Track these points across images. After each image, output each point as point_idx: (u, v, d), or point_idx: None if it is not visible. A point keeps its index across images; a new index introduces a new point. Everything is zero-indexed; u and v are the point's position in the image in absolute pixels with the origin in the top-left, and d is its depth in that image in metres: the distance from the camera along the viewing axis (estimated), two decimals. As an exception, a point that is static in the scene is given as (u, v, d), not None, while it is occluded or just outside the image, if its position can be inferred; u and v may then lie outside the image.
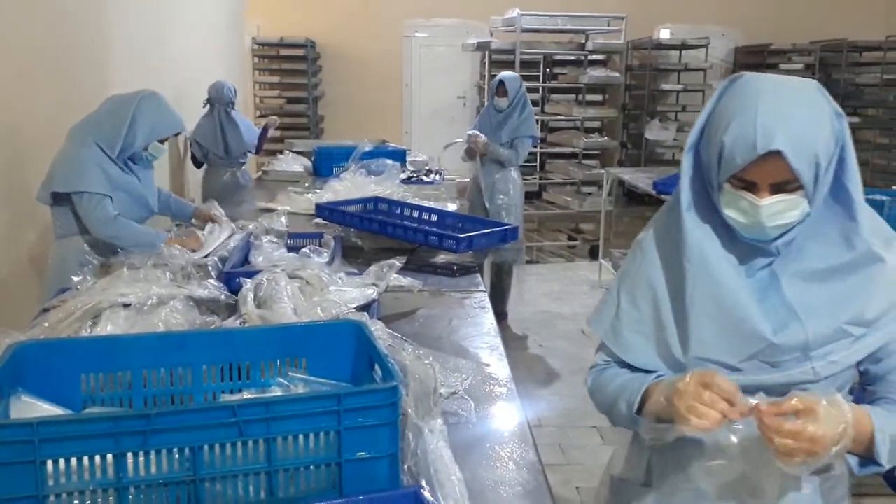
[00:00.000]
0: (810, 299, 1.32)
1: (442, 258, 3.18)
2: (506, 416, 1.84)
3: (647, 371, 1.42)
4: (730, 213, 1.32)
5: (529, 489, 1.50)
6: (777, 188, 1.28)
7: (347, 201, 3.62)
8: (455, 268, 3.07)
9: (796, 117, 1.25)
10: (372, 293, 2.27)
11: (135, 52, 4.88)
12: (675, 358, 1.38)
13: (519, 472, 1.57)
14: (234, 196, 4.83)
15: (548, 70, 9.57)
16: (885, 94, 9.58)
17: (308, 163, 5.54)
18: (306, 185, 4.76)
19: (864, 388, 1.41)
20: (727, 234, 1.36)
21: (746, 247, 1.36)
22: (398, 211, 3.57)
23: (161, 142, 3.17)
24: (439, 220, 3.44)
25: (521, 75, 5.72)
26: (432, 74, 10.27)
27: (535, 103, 6.88)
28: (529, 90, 5.75)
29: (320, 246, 2.92)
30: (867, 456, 1.29)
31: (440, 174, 5.37)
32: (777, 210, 1.29)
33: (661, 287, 1.39)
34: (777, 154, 1.24)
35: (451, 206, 3.92)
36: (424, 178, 5.12)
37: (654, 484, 1.43)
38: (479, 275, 3.06)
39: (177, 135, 3.38)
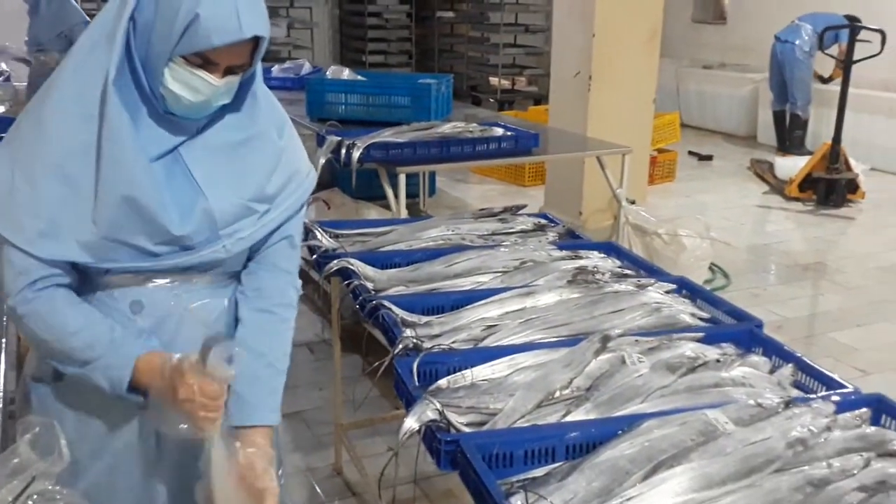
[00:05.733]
0: (214, 175, 1.34)
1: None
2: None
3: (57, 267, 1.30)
4: (176, 90, 1.27)
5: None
6: (230, 70, 1.29)
7: None
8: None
9: (263, 2, 1.28)
10: None
11: None
12: (86, 239, 1.28)
13: None
14: None
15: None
16: (475, -9, 10.49)
17: None
18: None
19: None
20: (145, 109, 1.29)
21: (165, 124, 1.31)
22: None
23: None
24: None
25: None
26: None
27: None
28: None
29: None
30: None
31: (6, 76, 4.93)
32: (225, 91, 1.30)
33: (71, 161, 1.25)
34: (254, 39, 1.26)
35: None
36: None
37: (64, 378, 1.39)
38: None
39: None
